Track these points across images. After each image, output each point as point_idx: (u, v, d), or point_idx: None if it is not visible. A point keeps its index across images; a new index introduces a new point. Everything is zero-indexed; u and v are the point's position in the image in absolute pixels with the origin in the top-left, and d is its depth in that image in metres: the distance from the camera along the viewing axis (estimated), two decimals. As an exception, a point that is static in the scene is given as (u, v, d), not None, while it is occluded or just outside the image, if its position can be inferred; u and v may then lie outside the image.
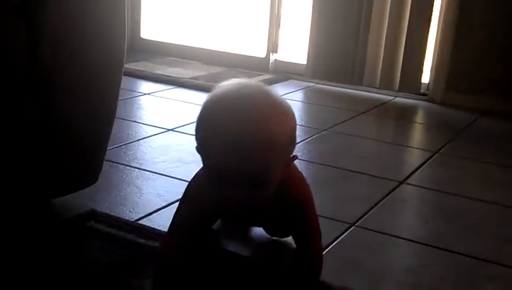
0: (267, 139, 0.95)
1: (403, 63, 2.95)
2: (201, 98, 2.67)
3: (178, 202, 1.17)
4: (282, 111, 0.99)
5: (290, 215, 1.11)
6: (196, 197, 1.11)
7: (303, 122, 2.43)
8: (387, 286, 1.24)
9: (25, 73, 1.26)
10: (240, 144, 0.93)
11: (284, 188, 1.04)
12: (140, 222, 1.45)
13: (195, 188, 1.13)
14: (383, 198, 1.70)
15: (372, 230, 1.49)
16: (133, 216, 1.47)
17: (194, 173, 1.17)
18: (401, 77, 2.96)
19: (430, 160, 2.08)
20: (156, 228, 1.39)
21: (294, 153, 1.04)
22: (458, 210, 1.66)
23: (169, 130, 2.20)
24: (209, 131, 0.98)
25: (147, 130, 2.18)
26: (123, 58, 1.49)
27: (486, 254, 1.40)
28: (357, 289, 1.19)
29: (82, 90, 1.39)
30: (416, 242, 1.45)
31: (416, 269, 1.33)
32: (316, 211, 1.13)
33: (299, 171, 1.17)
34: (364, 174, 1.89)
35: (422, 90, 3.00)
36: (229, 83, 1.01)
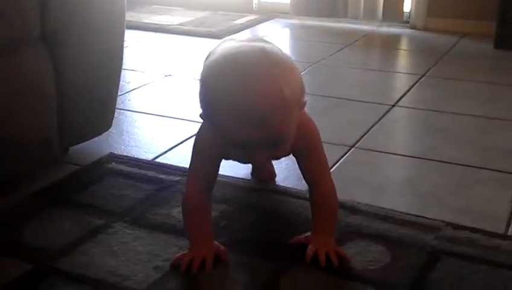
0: (284, 101, 0.93)
1: (384, -7, 3.04)
2: (190, 43, 2.78)
3: (191, 150, 1.15)
4: (287, 66, 0.98)
5: (302, 152, 1.12)
6: (212, 153, 1.10)
7: (293, 58, 2.53)
8: (389, 196, 1.37)
9: (39, 29, 1.34)
10: (261, 116, 0.92)
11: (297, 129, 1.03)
12: (156, 160, 1.56)
13: (207, 145, 1.09)
14: (378, 121, 1.82)
15: (371, 150, 1.62)
16: (149, 156, 1.58)
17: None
18: (383, 6, 3.05)
19: (418, 83, 2.20)
20: (173, 164, 1.51)
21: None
22: (447, 126, 1.79)
23: (167, 75, 2.30)
24: (220, 108, 0.95)
25: (146, 77, 2.27)
26: (124, 7, 1.58)
27: (474, 161, 1.54)
28: (362, 201, 1.32)
29: (90, 41, 1.47)
30: (412, 157, 1.59)
31: (413, 180, 1.46)
32: (323, 148, 1.14)
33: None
34: (357, 101, 2.01)
35: (405, 18, 3.09)
36: (224, 52, 0.98)
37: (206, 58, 1.05)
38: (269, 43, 1.02)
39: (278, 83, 0.93)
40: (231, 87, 0.93)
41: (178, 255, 1.10)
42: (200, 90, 0.99)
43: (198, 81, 1.01)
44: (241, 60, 0.95)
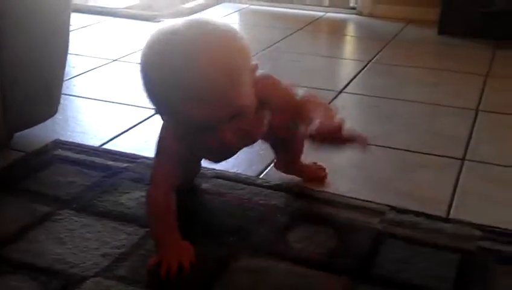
0: (232, 68, 0.91)
1: (331, -21, 3.07)
2: (138, 26, 2.75)
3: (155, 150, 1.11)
4: (228, 32, 0.95)
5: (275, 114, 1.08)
6: (175, 153, 1.05)
7: (242, 43, 2.53)
8: (341, 180, 1.39)
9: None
10: (215, 89, 0.89)
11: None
12: (104, 146, 1.54)
13: (169, 144, 1.06)
14: (325, 107, 1.85)
15: (318, 136, 1.64)
16: (96, 143, 1.56)
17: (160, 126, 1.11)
18: (330, -8, 3.08)
19: (364, 69, 2.23)
20: (121, 151, 1.50)
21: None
22: (393, 111, 1.83)
23: (114, 60, 2.27)
24: (172, 96, 0.91)
25: (92, 62, 2.24)
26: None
27: (419, 146, 1.58)
28: (310, 186, 1.34)
29: (33, 23, 1.44)
30: (358, 142, 1.61)
31: (359, 165, 1.49)
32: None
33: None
34: (305, 87, 2.02)
35: (351, 5, 3.13)
36: (158, 32, 0.94)
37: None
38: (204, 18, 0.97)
39: (225, 55, 0.91)
40: (176, 65, 0.89)
41: (151, 260, 1.04)
42: (145, 79, 0.95)
43: (140, 72, 0.96)
44: (179, 35, 0.91)
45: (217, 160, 1.19)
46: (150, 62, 0.94)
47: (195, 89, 0.89)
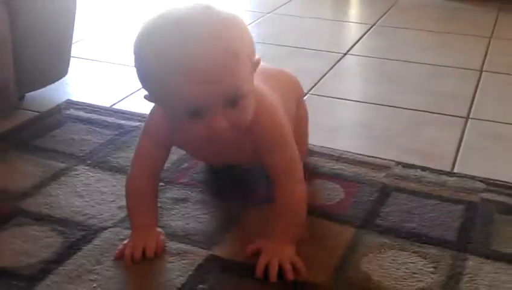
0: (232, 51, 0.83)
1: None
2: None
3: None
4: (234, 18, 0.87)
5: (264, 149, 0.97)
6: (157, 138, 1.01)
7: (247, 7, 2.55)
8: (343, 138, 1.43)
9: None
10: (210, 68, 0.82)
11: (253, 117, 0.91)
12: (115, 106, 1.57)
13: (155, 127, 1.00)
14: (330, 68, 1.87)
15: (324, 96, 1.67)
16: (107, 103, 1.59)
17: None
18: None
19: (369, 32, 2.25)
20: (132, 110, 1.53)
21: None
22: (398, 73, 1.85)
23: (122, 23, 2.28)
24: (163, 69, 0.83)
25: (100, 26, 2.26)
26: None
27: (423, 105, 1.61)
28: (319, 143, 1.37)
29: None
30: (364, 102, 1.64)
31: (365, 123, 1.52)
32: (292, 142, 0.99)
33: (269, 96, 1.00)
34: (310, 49, 2.05)
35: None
36: (160, 12, 0.86)
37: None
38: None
39: (225, 33, 0.83)
40: (173, 41, 0.82)
41: (120, 247, 1.00)
42: (137, 59, 0.87)
43: (133, 52, 0.87)
44: (182, 14, 0.84)
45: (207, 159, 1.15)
46: (147, 35, 0.85)
47: (190, 63, 0.81)
